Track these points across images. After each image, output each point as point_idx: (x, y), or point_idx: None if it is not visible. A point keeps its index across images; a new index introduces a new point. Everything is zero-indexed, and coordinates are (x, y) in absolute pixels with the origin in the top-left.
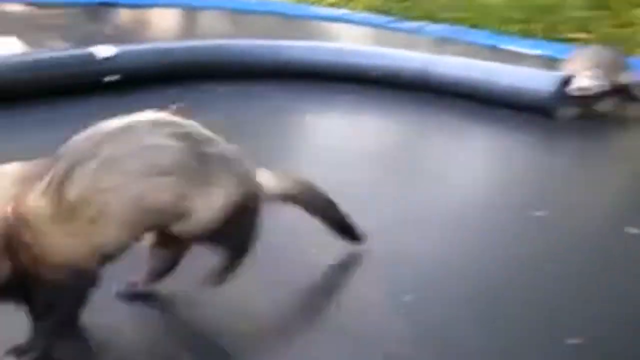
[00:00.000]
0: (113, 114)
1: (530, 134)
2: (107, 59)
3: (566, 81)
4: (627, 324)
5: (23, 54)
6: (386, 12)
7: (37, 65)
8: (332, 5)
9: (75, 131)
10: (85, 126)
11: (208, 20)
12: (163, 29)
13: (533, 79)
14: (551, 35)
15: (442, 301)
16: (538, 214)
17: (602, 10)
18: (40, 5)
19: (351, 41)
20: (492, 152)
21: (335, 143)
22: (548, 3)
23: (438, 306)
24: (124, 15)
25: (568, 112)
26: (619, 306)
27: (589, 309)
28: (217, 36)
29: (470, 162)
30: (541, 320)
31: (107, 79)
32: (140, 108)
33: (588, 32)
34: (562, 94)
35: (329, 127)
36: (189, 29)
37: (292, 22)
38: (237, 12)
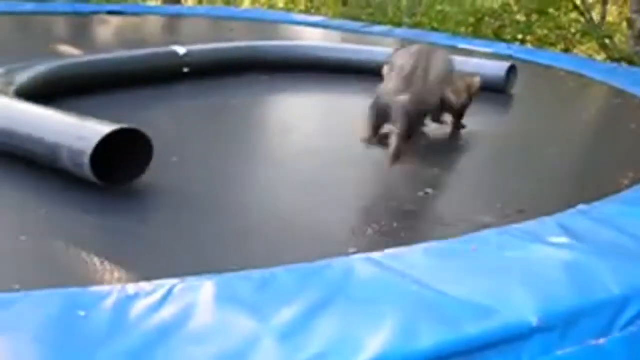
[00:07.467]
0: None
1: (490, 103)
2: (185, 55)
3: (511, 68)
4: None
5: (124, 52)
6: (355, 19)
7: (134, 60)
8: (303, 12)
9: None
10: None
11: (195, 26)
12: (161, 32)
13: (490, 67)
14: (499, 36)
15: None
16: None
17: (541, 15)
18: (54, 15)
19: (335, 43)
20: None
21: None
22: (495, 9)
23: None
24: (127, 22)
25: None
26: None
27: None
28: (209, 39)
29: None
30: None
31: (184, 70)
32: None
33: (530, 34)
34: (509, 77)
35: (329, 101)
36: (181, 31)
37: (280, 27)
38: (224, 18)
